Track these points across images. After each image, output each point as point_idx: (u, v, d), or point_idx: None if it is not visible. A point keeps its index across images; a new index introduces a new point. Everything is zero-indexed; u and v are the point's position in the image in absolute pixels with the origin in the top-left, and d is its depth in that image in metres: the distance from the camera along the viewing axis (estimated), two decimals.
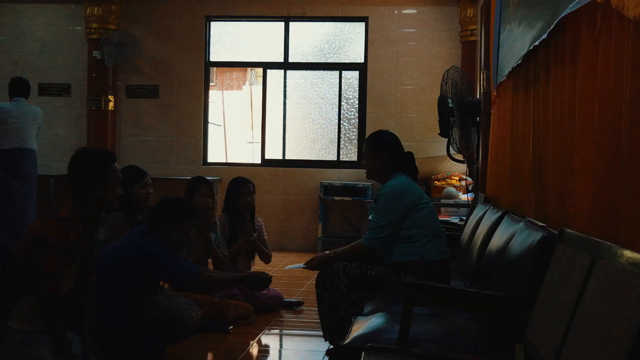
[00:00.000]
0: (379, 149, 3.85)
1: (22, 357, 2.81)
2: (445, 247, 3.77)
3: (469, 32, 8.11)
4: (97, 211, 3.02)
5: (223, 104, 10.85)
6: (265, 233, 5.44)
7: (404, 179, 3.79)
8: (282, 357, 4.30)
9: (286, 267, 4.38)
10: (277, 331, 4.71)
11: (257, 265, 5.58)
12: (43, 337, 2.87)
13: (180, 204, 3.72)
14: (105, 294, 3.39)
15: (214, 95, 9.87)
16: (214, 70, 9.68)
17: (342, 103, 8.66)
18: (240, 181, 5.26)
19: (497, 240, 3.27)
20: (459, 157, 6.24)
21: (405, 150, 3.97)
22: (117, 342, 3.40)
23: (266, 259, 5.38)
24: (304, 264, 3.83)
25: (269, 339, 4.49)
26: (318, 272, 3.76)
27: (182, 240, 3.65)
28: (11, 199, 6.88)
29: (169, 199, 3.80)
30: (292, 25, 8.73)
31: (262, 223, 5.46)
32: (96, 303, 3.29)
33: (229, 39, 8.91)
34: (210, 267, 5.00)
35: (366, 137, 8.53)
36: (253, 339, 4.36)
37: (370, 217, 6.23)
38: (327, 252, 3.88)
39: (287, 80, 8.74)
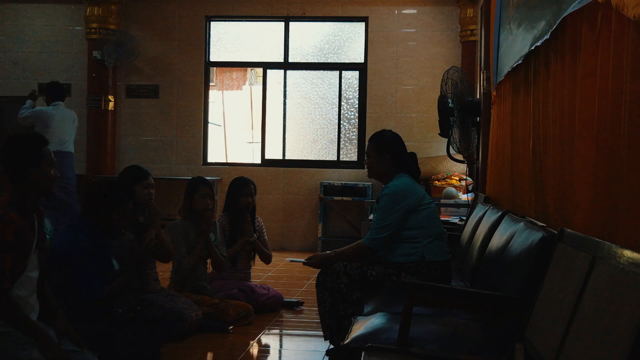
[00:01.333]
0: (382, 148, 3.84)
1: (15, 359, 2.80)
2: (446, 247, 3.77)
3: (469, 32, 8.11)
4: (35, 198, 2.96)
5: (223, 104, 10.85)
6: (265, 234, 5.43)
7: (407, 180, 3.79)
8: (282, 357, 4.30)
9: (287, 259, 4.38)
10: (277, 331, 4.71)
11: (257, 265, 5.58)
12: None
13: (112, 188, 3.68)
14: (70, 289, 3.40)
15: (214, 95, 9.87)
16: (214, 70, 9.67)
17: (342, 103, 8.66)
18: (241, 182, 5.25)
19: (497, 240, 3.27)
20: (459, 157, 6.24)
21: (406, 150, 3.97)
22: (109, 339, 3.39)
23: (266, 260, 5.37)
24: (305, 260, 3.83)
25: (269, 339, 4.49)
26: (318, 271, 3.77)
27: (118, 224, 3.63)
28: (54, 198, 7.00)
29: (102, 184, 3.76)
30: (292, 25, 8.73)
31: (263, 223, 5.46)
32: (72, 300, 3.31)
33: (229, 39, 8.91)
34: (210, 268, 5.00)
35: (366, 137, 8.48)
36: (253, 339, 4.36)
37: (370, 217, 6.24)
38: (328, 251, 3.89)
39: (287, 80, 8.74)
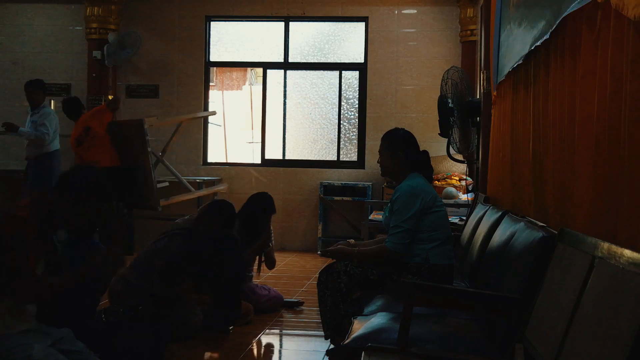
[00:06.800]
0: (395, 146, 3.80)
1: None
2: (451, 252, 3.72)
3: (469, 32, 8.11)
4: (61, 224, 2.88)
5: (223, 104, 10.84)
6: (273, 240, 5.50)
7: (421, 180, 3.76)
8: (282, 357, 4.30)
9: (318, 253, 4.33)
10: (277, 331, 4.71)
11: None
12: (32, 337, 2.86)
13: (98, 177, 2.92)
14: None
15: (214, 95, 9.86)
16: (214, 70, 9.67)
17: (342, 103, 8.65)
18: (268, 207, 5.38)
19: (497, 240, 3.27)
20: (459, 157, 6.24)
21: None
22: (114, 340, 3.38)
23: (271, 265, 5.45)
24: (328, 249, 3.77)
25: (269, 339, 4.49)
26: (320, 270, 3.77)
27: (89, 225, 3.04)
28: None
29: (83, 168, 3.06)
30: (292, 25, 8.73)
31: (272, 231, 5.49)
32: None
33: (229, 39, 8.91)
34: None
35: (366, 137, 8.45)
36: (253, 339, 4.36)
37: (371, 217, 6.23)
38: (352, 244, 3.80)
39: (287, 80, 8.73)
